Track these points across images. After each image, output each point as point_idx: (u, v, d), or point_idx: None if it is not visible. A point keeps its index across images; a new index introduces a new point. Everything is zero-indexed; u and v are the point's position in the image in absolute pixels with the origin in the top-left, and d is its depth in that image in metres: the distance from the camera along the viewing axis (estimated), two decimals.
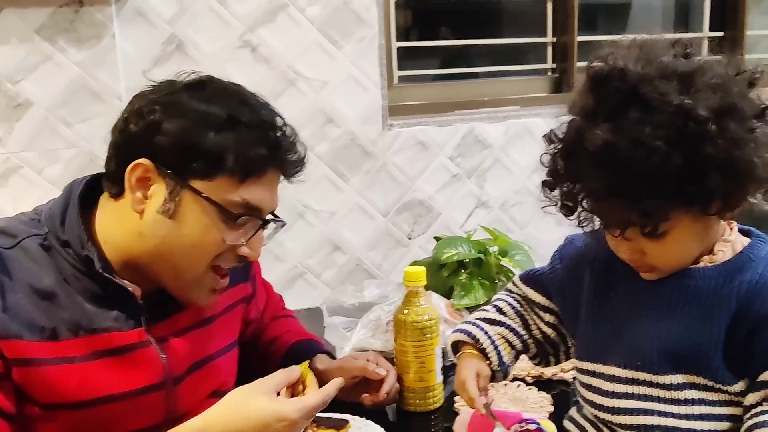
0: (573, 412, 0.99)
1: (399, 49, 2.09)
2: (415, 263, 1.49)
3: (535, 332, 1.03)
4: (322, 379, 1.20)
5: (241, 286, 1.17)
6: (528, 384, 1.26)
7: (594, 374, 0.88)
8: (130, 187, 0.93)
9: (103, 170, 0.99)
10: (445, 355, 1.29)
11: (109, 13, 1.65)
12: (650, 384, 0.82)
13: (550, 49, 2.35)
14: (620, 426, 0.85)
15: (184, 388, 1.02)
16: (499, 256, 1.49)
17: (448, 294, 1.46)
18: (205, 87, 0.96)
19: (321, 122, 1.91)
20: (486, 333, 1.03)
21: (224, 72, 1.75)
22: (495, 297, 1.09)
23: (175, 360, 1.01)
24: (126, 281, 0.96)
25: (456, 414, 1.15)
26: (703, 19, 2.59)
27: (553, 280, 1.00)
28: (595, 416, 0.89)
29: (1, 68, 1.60)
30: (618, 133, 0.74)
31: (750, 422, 0.76)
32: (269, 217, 0.99)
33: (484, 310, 1.07)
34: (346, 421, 1.09)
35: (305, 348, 1.26)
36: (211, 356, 1.08)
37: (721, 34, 2.56)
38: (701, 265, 0.82)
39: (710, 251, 0.82)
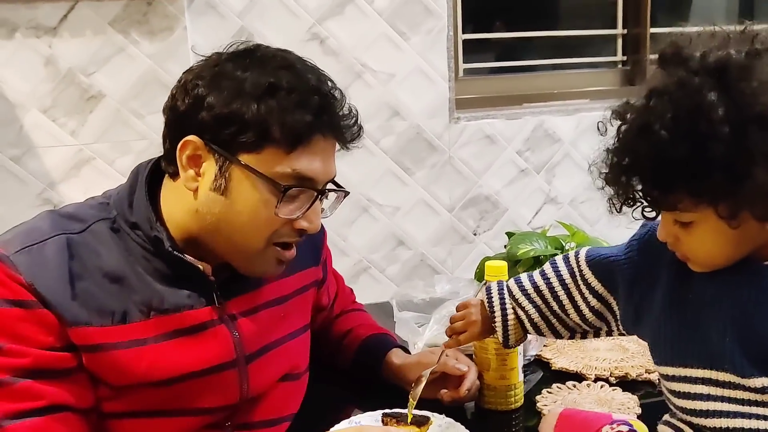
0: (668, 416, 0.94)
1: (463, 41, 2.05)
2: (487, 259, 1.46)
3: (573, 315, 0.97)
4: (398, 374, 1.18)
5: (312, 269, 1.15)
6: (612, 385, 1.20)
7: (680, 379, 0.83)
8: (182, 165, 0.91)
9: None
10: (525, 352, 1.25)
11: (181, 5, 1.66)
12: (741, 387, 0.77)
13: (620, 41, 2.29)
14: (717, 430, 0.80)
15: (255, 368, 1.01)
16: None
17: None
18: (249, 55, 0.92)
19: (387, 115, 1.89)
20: (504, 310, 1.00)
21: None
22: (551, 262, 1.01)
23: (247, 339, 1.00)
24: (194, 259, 0.96)
25: (538, 413, 1.11)
26: None
27: (624, 271, 0.92)
28: (688, 421, 0.84)
29: (75, 60, 1.62)
30: (644, 114, 0.74)
31: None
32: (330, 186, 0.95)
33: (530, 276, 1.01)
34: (427, 418, 1.06)
35: (379, 342, 1.24)
36: (283, 338, 1.06)
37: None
38: None
39: None
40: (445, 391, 1.14)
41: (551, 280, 0.99)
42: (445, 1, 1.90)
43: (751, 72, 0.70)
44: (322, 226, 1.16)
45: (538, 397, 1.17)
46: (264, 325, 1.03)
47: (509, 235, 1.55)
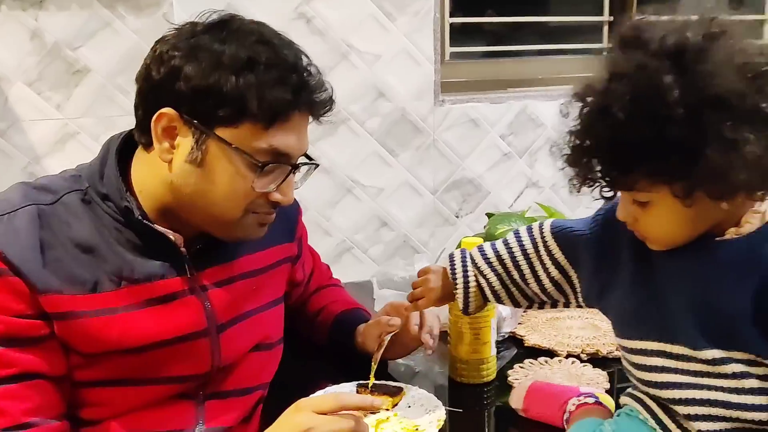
0: (631, 388, 0.96)
1: (450, 25, 2.06)
2: (466, 238, 1.48)
3: (533, 285, 1.00)
4: (363, 346, 1.20)
5: (286, 245, 1.17)
6: (583, 361, 1.23)
7: (638, 351, 0.85)
8: (157, 137, 0.92)
9: None
10: (498, 329, 1.27)
11: None
12: (694, 359, 0.80)
13: (606, 29, 2.31)
14: (671, 400, 0.82)
15: (227, 337, 1.03)
16: None
17: None
18: (225, 27, 0.92)
19: (372, 97, 1.90)
20: (466, 278, 1.03)
21: None
22: (515, 232, 1.04)
23: (219, 309, 1.02)
24: (167, 229, 0.97)
25: (509, 387, 1.14)
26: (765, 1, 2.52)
27: (589, 245, 0.94)
28: (647, 392, 0.87)
29: (61, 34, 1.62)
30: (603, 96, 0.75)
31: None
32: (302, 160, 0.97)
33: (492, 245, 1.04)
34: (400, 389, 1.08)
35: (351, 317, 1.27)
36: (255, 310, 1.08)
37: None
38: (727, 237, 0.78)
39: (737, 223, 0.78)
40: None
41: (513, 250, 1.02)
42: None
43: (707, 55, 0.72)
44: (297, 203, 1.19)
45: (509, 372, 1.20)
46: (236, 297, 1.05)
47: (489, 215, 1.57)
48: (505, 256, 1.02)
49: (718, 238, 0.78)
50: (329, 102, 0.96)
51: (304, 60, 0.94)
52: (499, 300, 1.04)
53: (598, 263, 0.93)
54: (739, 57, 0.72)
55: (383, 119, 1.92)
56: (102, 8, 1.63)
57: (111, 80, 1.66)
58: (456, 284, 1.04)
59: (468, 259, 1.04)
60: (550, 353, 1.27)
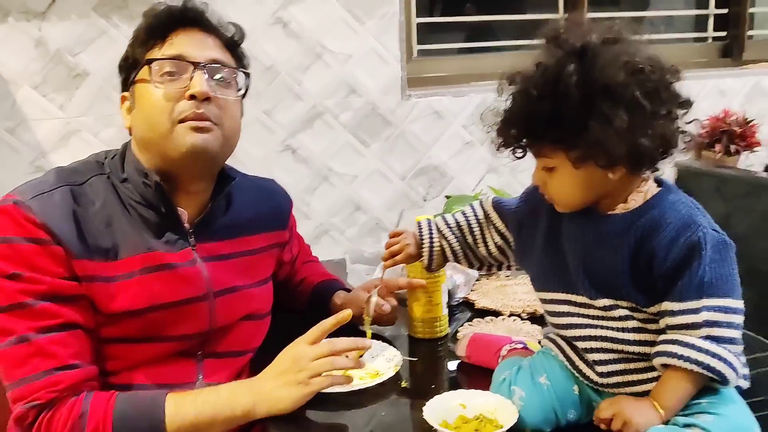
0: (549, 332, 1.17)
1: (422, 24, 2.24)
2: (419, 217, 1.69)
3: (482, 249, 1.20)
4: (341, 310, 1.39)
5: (279, 232, 1.37)
6: (523, 319, 1.44)
7: (550, 301, 1.05)
8: (124, 118, 1.21)
9: None
10: (451, 296, 1.48)
11: None
12: (591, 306, 0.99)
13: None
14: (573, 338, 1.02)
15: (222, 302, 1.20)
16: None
17: None
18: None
19: (345, 93, 2.08)
20: (431, 240, 1.22)
21: (258, 46, 1.94)
22: (468, 206, 1.24)
23: (216, 279, 1.19)
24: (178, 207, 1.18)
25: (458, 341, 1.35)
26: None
27: (516, 214, 1.14)
28: (558, 334, 1.08)
29: (62, 42, 1.79)
30: (525, 79, 0.95)
31: (656, 348, 0.93)
32: (210, 64, 1.15)
33: (452, 215, 1.23)
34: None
35: (327, 286, 1.46)
36: (247, 285, 1.25)
37: (725, 11, 2.69)
38: (616, 212, 0.97)
39: (624, 200, 0.96)
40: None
41: (469, 218, 1.21)
42: None
43: (601, 55, 0.91)
44: (288, 196, 1.39)
45: (459, 328, 1.41)
46: (230, 271, 1.24)
47: (448, 197, 1.78)
48: (463, 223, 1.22)
49: (609, 212, 0.98)
50: (198, 9, 1.19)
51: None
52: (456, 259, 1.23)
53: (522, 229, 1.13)
54: (626, 57, 0.91)
55: (355, 113, 2.10)
56: (99, 18, 1.80)
57: (108, 82, 1.84)
58: (423, 244, 1.22)
59: (433, 226, 1.24)
60: (496, 313, 1.47)
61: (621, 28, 0.96)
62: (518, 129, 0.98)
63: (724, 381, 0.90)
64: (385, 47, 2.10)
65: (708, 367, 0.89)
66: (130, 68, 1.19)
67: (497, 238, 1.18)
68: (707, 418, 0.89)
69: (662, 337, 0.93)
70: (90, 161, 1.22)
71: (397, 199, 2.19)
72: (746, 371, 0.95)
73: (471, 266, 1.25)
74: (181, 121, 1.13)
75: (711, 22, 2.73)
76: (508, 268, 1.23)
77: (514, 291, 1.58)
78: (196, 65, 1.14)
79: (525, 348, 1.20)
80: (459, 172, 2.23)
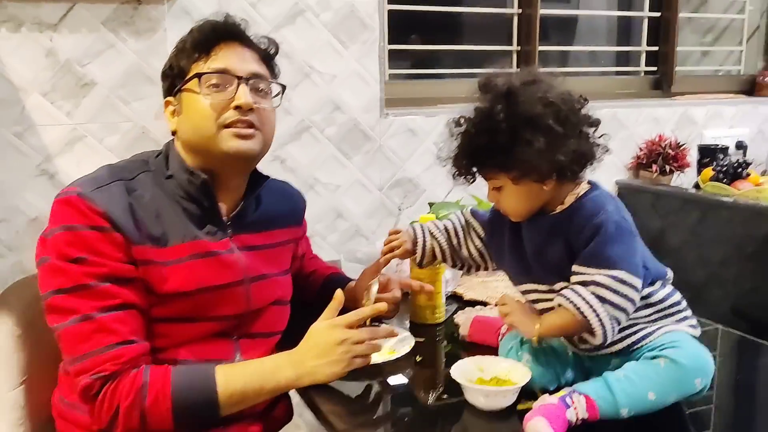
0: None
1: (390, 51, 2.44)
2: (423, 216, 1.88)
3: (464, 251, 1.38)
4: (352, 295, 1.51)
5: (295, 228, 1.54)
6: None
7: (525, 292, 1.26)
8: (168, 121, 1.36)
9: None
10: (446, 285, 1.67)
11: (162, 10, 1.96)
12: (552, 291, 1.19)
13: (515, 56, 2.76)
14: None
15: (256, 288, 1.35)
16: None
17: None
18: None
19: (330, 109, 2.24)
20: (424, 239, 1.39)
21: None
22: (453, 214, 1.42)
23: (250, 266, 1.34)
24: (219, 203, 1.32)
25: (455, 325, 1.54)
26: (642, 35, 3.06)
27: (489, 221, 1.34)
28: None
29: (71, 53, 1.88)
30: (467, 121, 1.17)
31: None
32: (253, 78, 1.30)
33: (443, 221, 1.41)
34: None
35: (338, 278, 1.63)
36: (274, 274, 1.41)
37: (656, 48, 3.03)
38: (555, 212, 1.16)
39: (562, 202, 1.16)
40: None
41: (454, 224, 1.41)
42: (378, 17, 2.26)
43: (522, 94, 1.12)
44: (303, 198, 1.56)
45: (454, 315, 1.60)
46: (260, 260, 1.39)
47: (431, 204, 1.98)
48: (450, 227, 1.41)
49: (550, 213, 1.18)
50: (259, 37, 1.39)
51: (230, 16, 1.37)
52: (444, 258, 1.42)
53: (493, 238, 1.33)
54: (540, 94, 1.12)
55: (339, 128, 2.27)
56: (107, 32, 1.91)
57: (114, 92, 1.94)
58: (417, 243, 1.41)
59: (425, 228, 1.43)
60: (483, 303, 1.68)
61: (537, 73, 1.18)
62: (467, 160, 1.19)
63: (593, 333, 1.09)
64: (366, 69, 2.28)
65: (581, 312, 1.08)
66: (175, 77, 1.33)
67: (477, 242, 1.37)
68: (670, 350, 1.10)
69: (562, 291, 1.13)
70: (136, 160, 1.35)
71: (376, 208, 2.34)
72: (628, 340, 1.15)
73: (455, 266, 1.43)
74: (226, 126, 1.27)
75: (643, 58, 3.07)
76: (486, 269, 1.42)
77: (495, 286, 1.79)
78: (239, 78, 1.29)
79: None
80: (431, 185, 2.41)
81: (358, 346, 1.24)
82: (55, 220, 1.19)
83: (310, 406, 1.24)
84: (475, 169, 1.21)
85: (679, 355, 1.10)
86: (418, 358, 1.38)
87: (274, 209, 1.47)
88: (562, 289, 1.16)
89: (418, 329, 1.54)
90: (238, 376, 1.22)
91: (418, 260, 1.43)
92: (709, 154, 2.74)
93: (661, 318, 1.16)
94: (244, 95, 1.27)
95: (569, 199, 1.18)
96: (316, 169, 2.26)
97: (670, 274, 1.21)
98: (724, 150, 2.74)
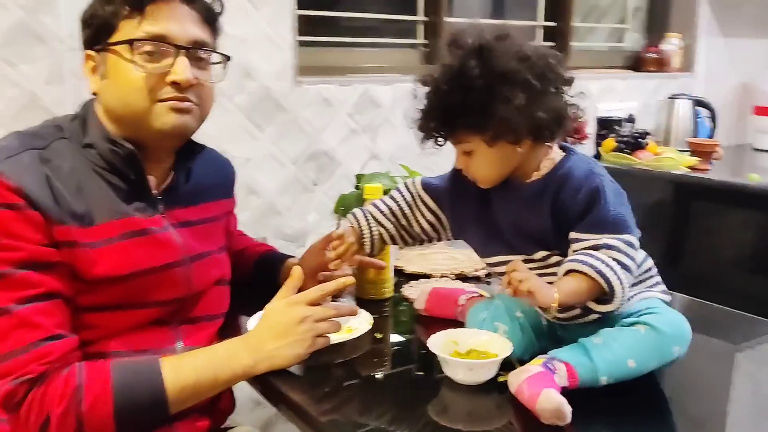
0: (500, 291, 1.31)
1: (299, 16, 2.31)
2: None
3: (415, 228, 1.31)
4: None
5: (227, 201, 1.40)
6: (452, 279, 1.60)
7: (496, 264, 1.20)
8: (88, 77, 1.16)
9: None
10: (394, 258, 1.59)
11: None
12: (531, 260, 1.14)
13: (421, 27, 2.71)
14: None
15: (197, 267, 1.22)
16: None
17: None
18: None
19: (239, 76, 2.08)
20: (370, 230, 1.30)
21: None
22: (397, 189, 1.32)
23: (188, 245, 1.21)
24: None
25: (403, 300, 1.47)
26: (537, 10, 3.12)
27: (446, 193, 1.26)
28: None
29: None
30: (437, 79, 1.09)
31: (562, 265, 1.08)
32: (193, 48, 1.13)
33: (382, 201, 1.32)
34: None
35: (275, 257, 1.52)
36: (213, 251, 1.29)
37: (554, 24, 3.10)
38: (533, 179, 1.11)
39: (537, 168, 1.12)
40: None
41: (399, 202, 1.32)
42: None
43: (496, 49, 1.07)
44: (232, 167, 1.41)
45: (404, 287, 1.53)
46: (197, 237, 1.25)
47: (359, 177, 1.89)
48: (395, 208, 1.32)
49: (527, 180, 1.14)
50: None
51: None
52: (394, 242, 1.34)
53: (455, 209, 1.26)
54: (515, 48, 1.08)
55: (249, 96, 2.11)
56: None
57: None
58: (364, 236, 1.31)
59: (369, 215, 1.32)
60: (427, 276, 1.62)
61: (508, 27, 1.12)
62: (436, 122, 1.12)
63: (611, 293, 1.04)
64: (278, 34, 2.15)
65: (601, 274, 1.03)
66: (99, 30, 1.14)
67: (429, 216, 1.30)
68: (648, 316, 1.09)
69: (569, 257, 1.07)
70: (48, 125, 1.16)
71: (290, 184, 2.23)
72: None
73: (406, 245, 1.35)
74: (161, 100, 1.11)
75: (541, 33, 3.13)
76: (439, 240, 1.35)
77: (434, 258, 1.74)
78: (178, 48, 1.12)
79: (481, 295, 1.36)
80: (346, 158, 2.32)
81: (321, 324, 1.15)
82: None
83: (271, 396, 1.12)
84: (443, 132, 1.13)
85: (659, 321, 1.09)
86: (379, 336, 1.30)
87: (205, 181, 1.32)
88: (545, 257, 1.12)
89: (366, 305, 1.45)
90: (188, 368, 1.09)
91: (368, 252, 1.33)
92: (606, 126, 2.84)
93: (636, 284, 1.15)
94: (182, 70, 1.11)
95: (546, 164, 1.13)
96: (225, 141, 2.07)
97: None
98: (619, 123, 2.85)
